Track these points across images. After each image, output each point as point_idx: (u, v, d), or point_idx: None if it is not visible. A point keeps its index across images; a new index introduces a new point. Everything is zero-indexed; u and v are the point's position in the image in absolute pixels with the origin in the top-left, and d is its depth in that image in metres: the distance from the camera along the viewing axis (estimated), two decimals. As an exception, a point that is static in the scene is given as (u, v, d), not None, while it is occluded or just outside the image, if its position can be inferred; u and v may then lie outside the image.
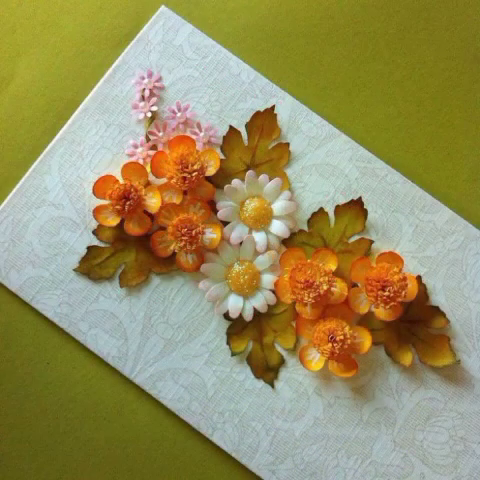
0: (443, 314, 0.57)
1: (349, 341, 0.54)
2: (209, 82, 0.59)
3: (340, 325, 0.55)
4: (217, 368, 0.57)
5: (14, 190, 0.58)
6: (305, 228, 0.58)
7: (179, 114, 0.58)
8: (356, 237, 0.58)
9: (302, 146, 0.59)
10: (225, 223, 0.58)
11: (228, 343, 0.57)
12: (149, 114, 0.58)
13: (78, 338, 0.57)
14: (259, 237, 0.57)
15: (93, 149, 0.58)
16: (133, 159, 0.58)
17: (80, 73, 0.60)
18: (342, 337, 0.54)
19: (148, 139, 0.58)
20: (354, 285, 0.57)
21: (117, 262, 0.57)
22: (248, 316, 0.57)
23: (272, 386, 0.57)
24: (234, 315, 0.57)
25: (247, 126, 0.58)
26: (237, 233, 0.57)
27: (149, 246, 0.57)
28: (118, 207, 0.55)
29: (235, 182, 0.57)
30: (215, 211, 0.57)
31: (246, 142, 0.58)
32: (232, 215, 0.57)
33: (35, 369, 0.58)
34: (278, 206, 0.58)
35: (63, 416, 0.58)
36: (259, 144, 0.58)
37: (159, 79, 0.59)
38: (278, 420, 0.57)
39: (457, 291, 0.58)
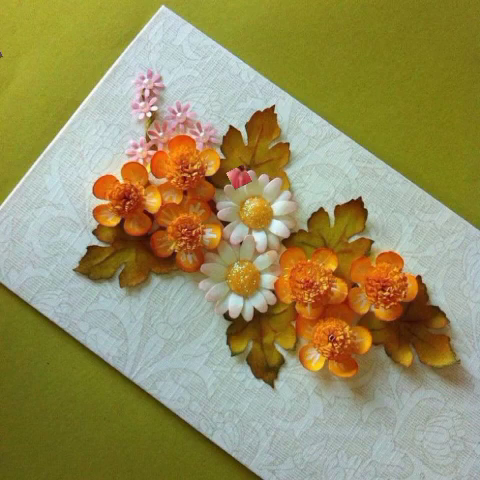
0: (443, 314, 0.57)
1: (349, 341, 0.54)
2: (209, 82, 0.59)
3: (340, 325, 0.55)
4: (217, 368, 0.57)
5: (14, 190, 0.58)
6: (305, 228, 0.58)
7: (179, 114, 0.58)
8: (356, 237, 0.58)
9: (302, 146, 0.59)
10: (225, 223, 0.58)
11: (228, 343, 0.57)
12: (149, 114, 0.58)
13: (78, 338, 0.57)
14: (259, 237, 0.57)
15: (93, 149, 0.58)
16: (133, 159, 0.58)
17: (80, 73, 0.60)
18: (342, 337, 0.54)
19: (148, 139, 0.58)
20: (354, 285, 0.57)
21: (117, 262, 0.57)
22: (248, 316, 0.57)
23: (272, 386, 0.57)
24: (234, 315, 0.57)
25: (247, 126, 0.58)
26: (237, 233, 0.57)
27: (149, 246, 0.57)
28: (118, 207, 0.55)
29: (235, 182, 0.57)
30: (215, 211, 0.57)
31: (246, 142, 0.58)
32: (232, 215, 0.57)
33: (35, 369, 0.58)
34: (278, 206, 0.58)
35: (63, 416, 0.58)
36: (259, 144, 0.58)
37: (159, 79, 0.59)
38: (278, 420, 0.57)
39: (457, 291, 0.58)
